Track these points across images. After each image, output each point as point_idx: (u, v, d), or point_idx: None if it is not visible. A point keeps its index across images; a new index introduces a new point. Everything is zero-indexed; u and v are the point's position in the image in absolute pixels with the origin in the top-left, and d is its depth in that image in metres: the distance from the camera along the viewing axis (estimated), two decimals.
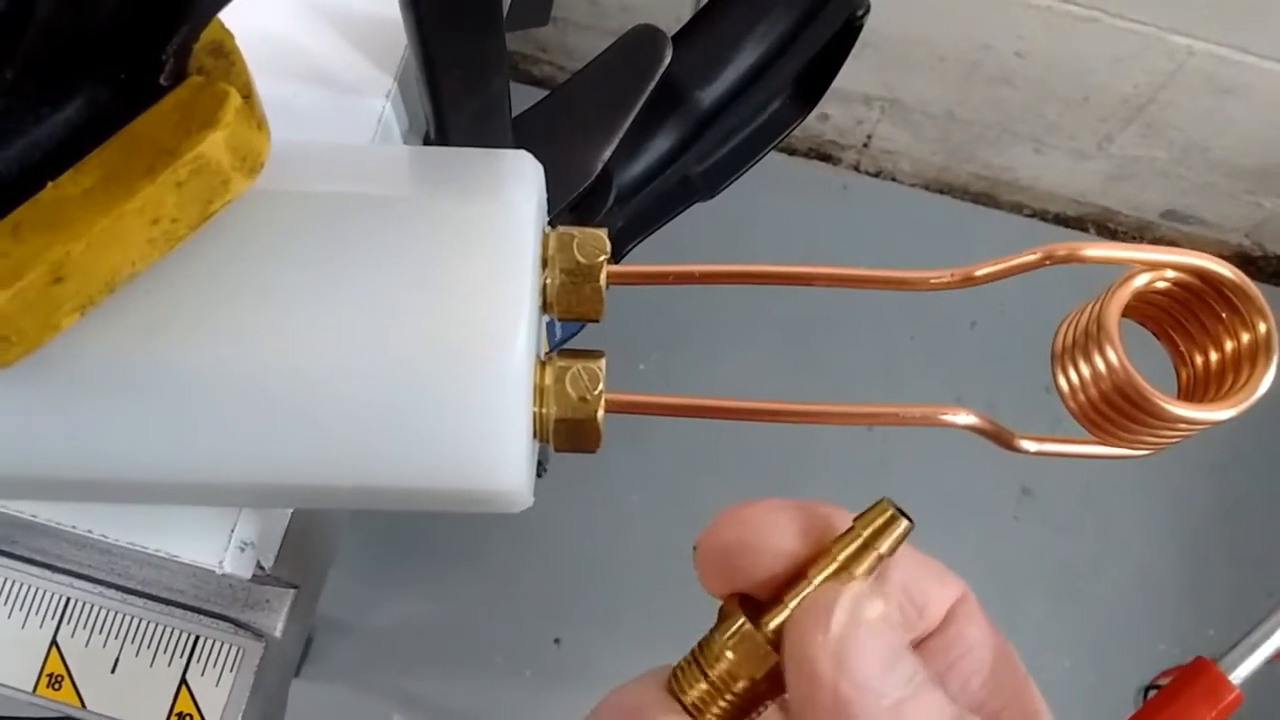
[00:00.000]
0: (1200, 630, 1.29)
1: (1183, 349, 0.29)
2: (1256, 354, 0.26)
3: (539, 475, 0.99)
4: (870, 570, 0.24)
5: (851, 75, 1.25)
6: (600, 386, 0.27)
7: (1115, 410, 0.27)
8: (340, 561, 1.21)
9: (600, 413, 0.27)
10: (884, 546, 0.24)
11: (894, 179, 1.42)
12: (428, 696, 1.23)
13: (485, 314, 0.25)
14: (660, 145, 0.47)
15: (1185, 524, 1.34)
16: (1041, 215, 1.42)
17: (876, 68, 1.23)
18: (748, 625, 0.25)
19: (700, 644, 0.25)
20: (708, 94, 0.46)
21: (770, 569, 0.25)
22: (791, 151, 1.40)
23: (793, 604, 0.24)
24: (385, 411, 0.25)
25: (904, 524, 0.24)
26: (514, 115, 0.42)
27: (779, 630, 0.24)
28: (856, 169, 1.42)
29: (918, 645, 0.27)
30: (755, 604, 0.25)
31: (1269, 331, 0.26)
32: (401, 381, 0.25)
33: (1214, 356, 0.28)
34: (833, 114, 1.33)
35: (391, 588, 1.26)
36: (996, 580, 1.30)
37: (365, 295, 0.25)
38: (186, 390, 0.25)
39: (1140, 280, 0.27)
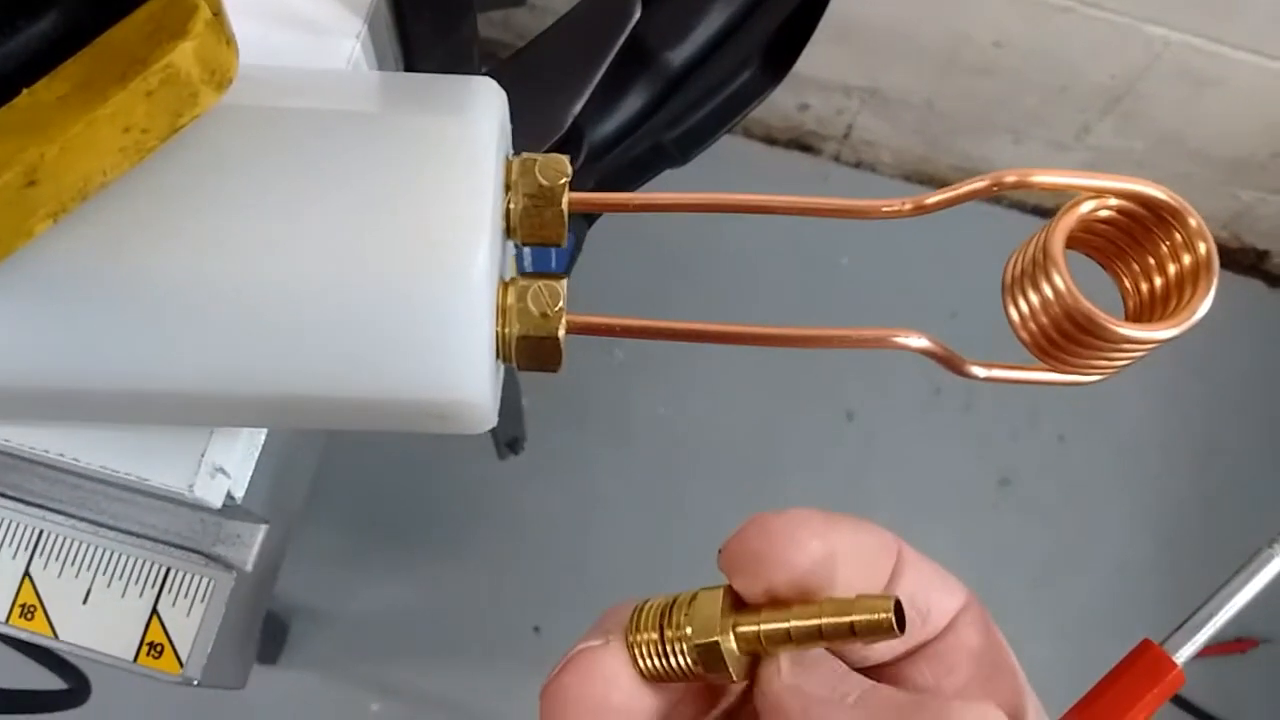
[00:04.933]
0: (1179, 620, 1.30)
1: (1128, 278, 0.30)
2: (1198, 275, 0.27)
3: (515, 452, 0.99)
4: (839, 645, 0.25)
5: (831, 65, 1.26)
6: (561, 304, 0.28)
7: (1064, 335, 0.28)
8: (318, 549, 1.22)
9: (561, 330, 0.28)
10: (862, 638, 0.25)
11: (874, 170, 1.43)
12: (406, 685, 1.24)
13: (447, 225, 0.25)
14: (631, 105, 0.47)
15: (1164, 514, 1.35)
16: (1020, 206, 1.43)
17: (856, 57, 1.24)
18: (717, 614, 0.25)
19: (675, 600, 0.26)
20: (677, 54, 0.47)
21: (784, 580, 0.25)
22: (772, 142, 1.41)
23: (761, 626, 0.25)
24: (348, 321, 0.25)
25: (894, 633, 0.24)
26: (484, 70, 0.42)
27: (741, 634, 0.25)
28: (837, 160, 1.43)
29: (918, 650, 0.28)
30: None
31: (1209, 252, 0.27)
32: (364, 291, 0.25)
33: (1158, 282, 0.29)
34: (813, 104, 1.34)
35: (370, 576, 1.26)
36: (975, 570, 1.29)
37: (329, 207, 0.26)
38: (155, 298, 0.25)
39: (1085, 207, 0.28)
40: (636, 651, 0.26)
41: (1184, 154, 1.28)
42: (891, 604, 0.24)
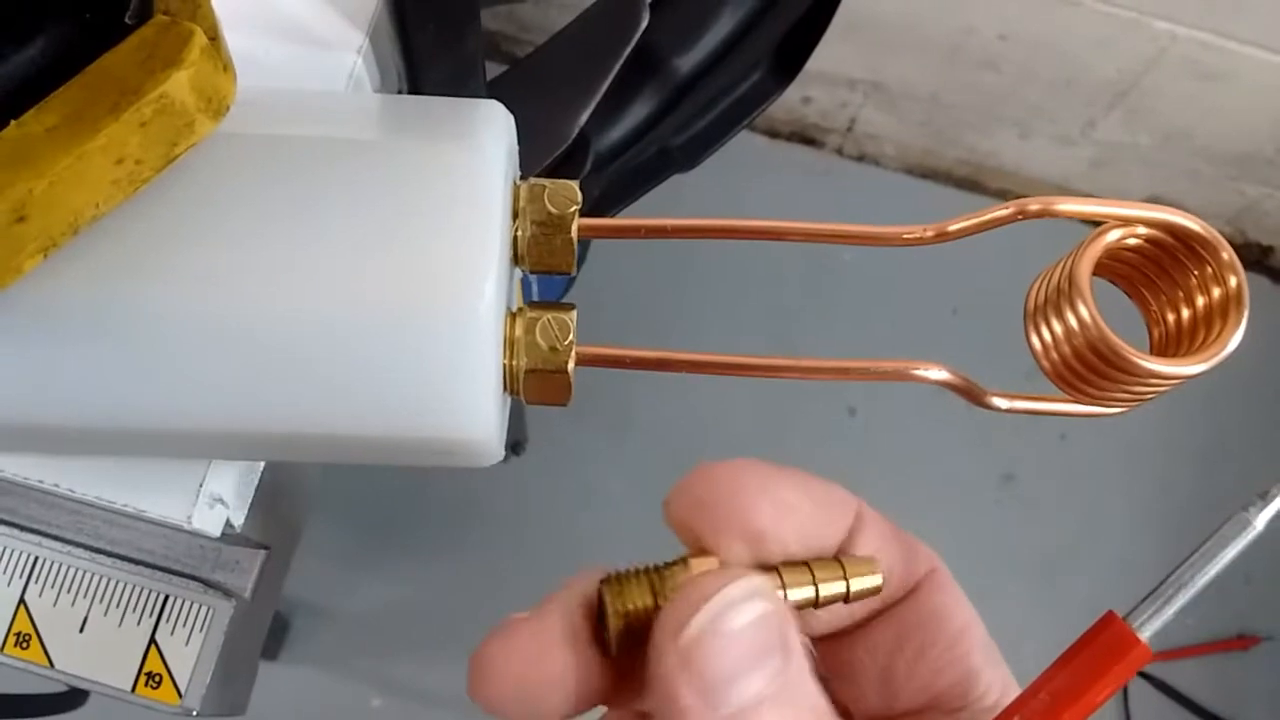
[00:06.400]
0: (1178, 617, 1.30)
1: (1155, 307, 0.29)
2: (1228, 309, 0.26)
3: (516, 454, 0.98)
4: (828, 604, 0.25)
5: (835, 58, 1.25)
6: (570, 337, 0.27)
7: (1088, 367, 0.27)
8: (319, 546, 1.21)
9: (571, 364, 0.27)
10: (852, 601, 0.25)
11: (877, 164, 1.42)
12: (407, 680, 1.23)
13: (453, 257, 0.25)
14: (638, 112, 0.46)
15: (1166, 511, 1.35)
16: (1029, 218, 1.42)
17: (860, 50, 1.23)
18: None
19: (661, 570, 0.26)
20: (685, 61, 0.46)
21: (734, 527, 0.25)
22: (774, 135, 1.40)
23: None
24: (350, 357, 0.25)
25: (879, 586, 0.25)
26: (489, 80, 0.42)
27: None
28: (840, 153, 1.42)
29: (879, 615, 0.27)
30: None
31: (1239, 285, 0.26)
32: (367, 325, 0.24)
33: (1186, 313, 0.28)
34: (816, 97, 1.33)
35: (371, 572, 1.25)
36: (976, 566, 1.30)
37: (332, 239, 0.25)
38: (150, 334, 0.24)
39: (1112, 235, 0.27)
40: (622, 619, 0.25)
41: (1190, 149, 1.27)
42: (879, 566, 0.25)
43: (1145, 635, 0.25)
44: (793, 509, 0.25)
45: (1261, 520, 0.25)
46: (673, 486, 0.26)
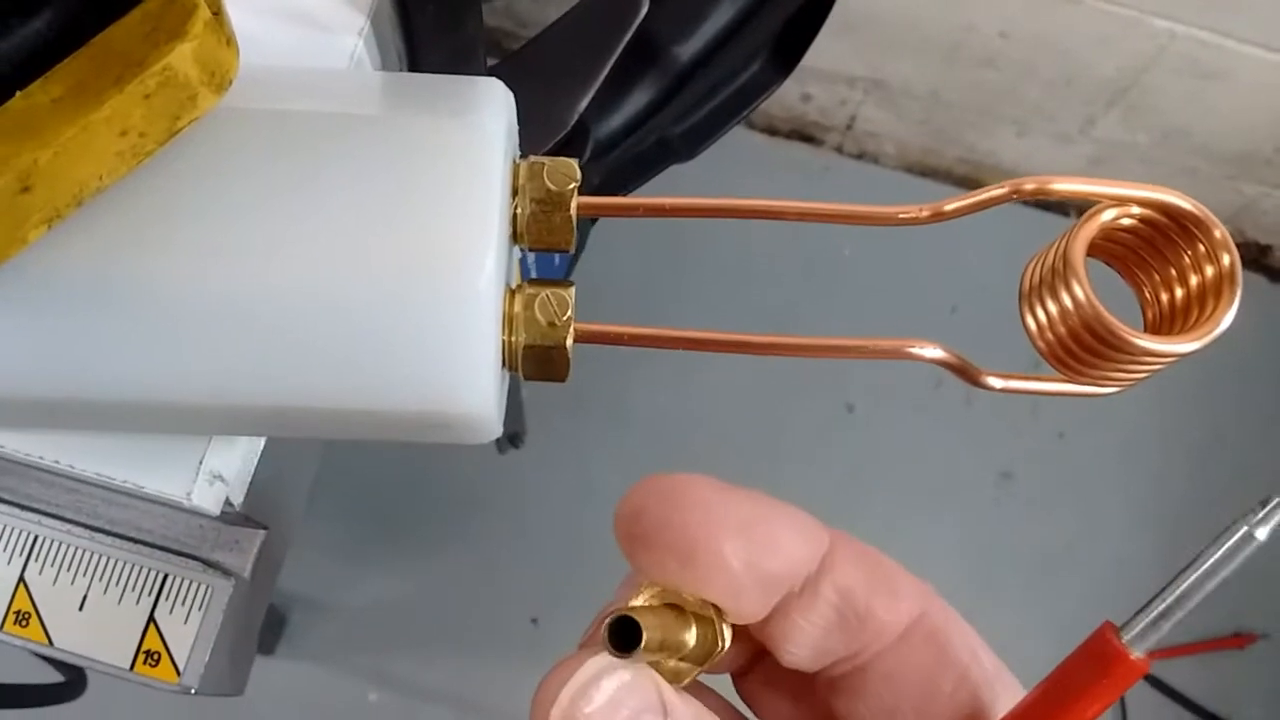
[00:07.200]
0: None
1: (1148, 288, 0.29)
2: (1220, 287, 0.27)
3: (516, 447, 0.98)
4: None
5: (835, 55, 1.25)
6: (569, 313, 0.27)
7: (1083, 346, 0.27)
8: (317, 541, 1.21)
9: (569, 340, 0.27)
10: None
11: (876, 161, 1.42)
12: (404, 676, 1.23)
13: (454, 232, 0.25)
14: (638, 100, 0.47)
15: (1163, 510, 1.35)
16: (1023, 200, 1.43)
17: (860, 48, 1.24)
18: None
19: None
20: (685, 49, 0.46)
21: (667, 549, 0.23)
22: (773, 132, 1.40)
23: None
24: (351, 330, 0.25)
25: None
26: (489, 66, 0.42)
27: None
28: (839, 151, 1.42)
29: (868, 663, 0.25)
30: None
31: (1232, 264, 0.26)
32: (367, 300, 0.25)
33: (1179, 293, 0.28)
34: (816, 94, 1.33)
35: (368, 567, 1.25)
36: (975, 565, 1.31)
37: (333, 213, 0.25)
38: (152, 306, 0.25)
39: (1107, 215, 0.27)
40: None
41: (1189, 148, 1.28)
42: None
43: (1141, 650, 0.24)
44: (739, 531, 0.23)
45: (1263, 532, 0.24)
46: (619, 501, 0.24)
